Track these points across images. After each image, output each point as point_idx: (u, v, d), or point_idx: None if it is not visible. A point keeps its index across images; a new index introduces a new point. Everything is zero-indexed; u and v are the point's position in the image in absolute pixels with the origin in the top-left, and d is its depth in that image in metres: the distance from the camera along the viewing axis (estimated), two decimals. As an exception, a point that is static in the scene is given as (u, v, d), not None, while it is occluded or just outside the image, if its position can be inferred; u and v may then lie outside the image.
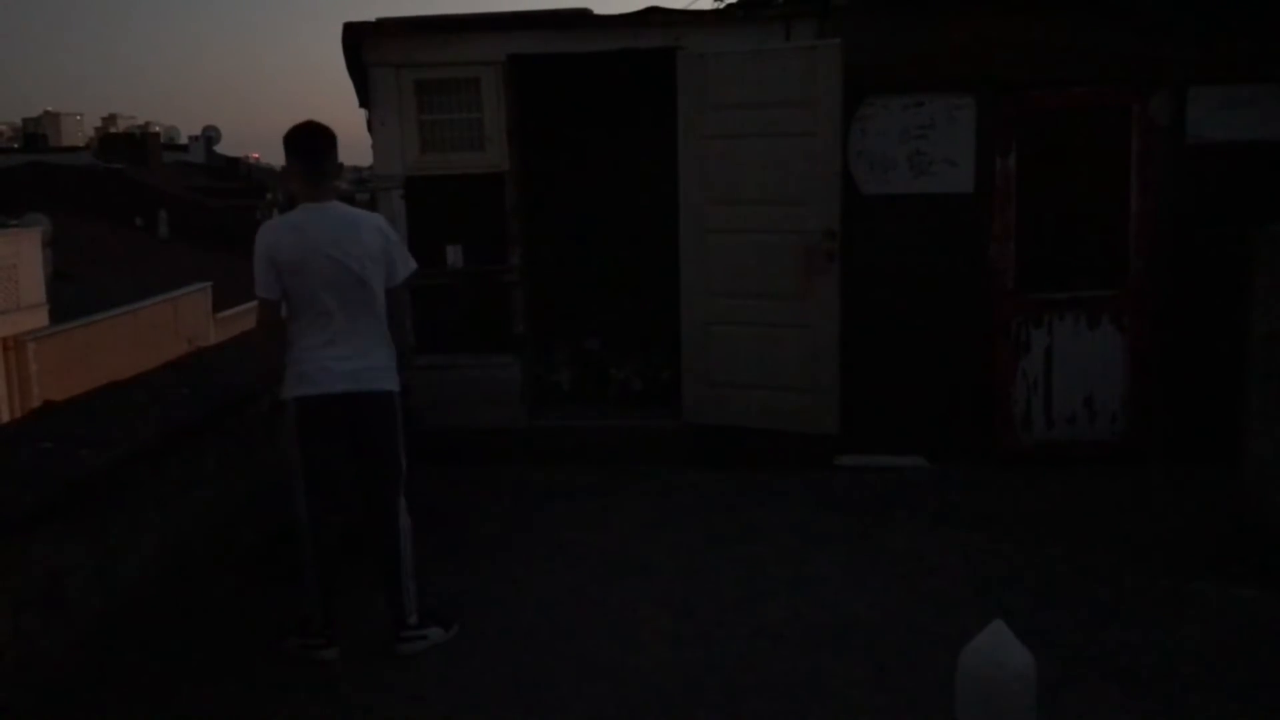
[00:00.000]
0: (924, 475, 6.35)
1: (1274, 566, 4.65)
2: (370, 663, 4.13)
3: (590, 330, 7.79)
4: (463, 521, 5.69)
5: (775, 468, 6.38)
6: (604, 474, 6.42)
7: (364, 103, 6.83)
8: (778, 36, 6.33)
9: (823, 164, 6.13)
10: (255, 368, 5.66)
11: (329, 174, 4.13)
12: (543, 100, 7.30)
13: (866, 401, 6.34)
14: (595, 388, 7.44)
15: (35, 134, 65.43)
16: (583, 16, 6.56)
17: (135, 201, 31.36)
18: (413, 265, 4.25)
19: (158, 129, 56.61)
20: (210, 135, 45.19)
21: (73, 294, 19.83)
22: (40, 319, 18.20)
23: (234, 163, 46.21)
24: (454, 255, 6.75)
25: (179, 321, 21.53)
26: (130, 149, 38.24)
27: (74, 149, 51.43)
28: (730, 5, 6.71)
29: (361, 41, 6.59)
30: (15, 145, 54.97)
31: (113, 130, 77.19)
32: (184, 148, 46.65)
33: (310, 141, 4.10)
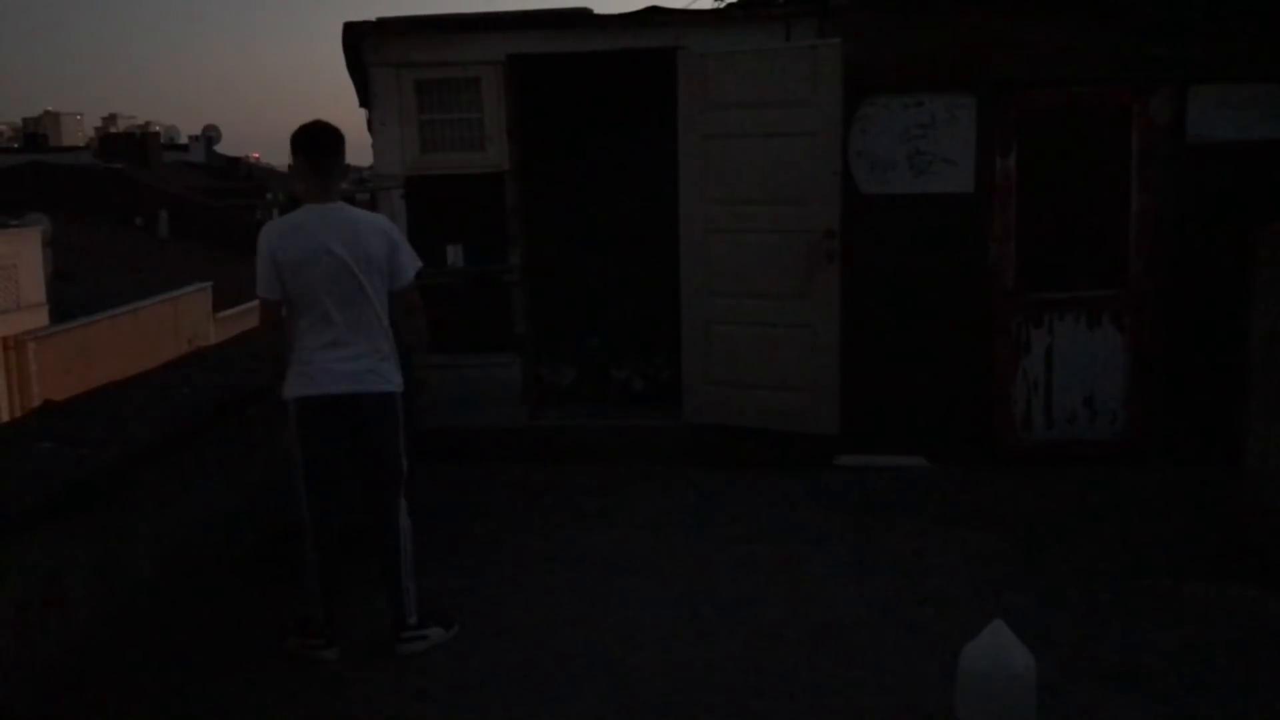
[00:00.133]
0: (924, 475, 6.35)
1: (1274, 566, 4.65)
2: (371, 663, 4.13)
3: (591, 330, 7.79)
4: (463, 521, 5.69)
5: (775, 467, 6.38)
6: (604, 473, 6.42)
7: (364, 103, 6.83)
8: (778, 36, 6.33)
9: (823, 163, 6.13)
10: (255, 367, 5.67)
11: (334, 174, 4.12)
12: (543, 100, 7.30)
13: (867, 401, 6.34)
14: (596, 387, 7.45)
15: (35, 134, 65.44)
16: (583, 16, 6.56)
17: (135, 201, 31.35)
18: (419, 263, 4.24)
19: (158, 129, 56.60)
20: (210, 135, 45.18)
21: (73, 294, 19.83)
22: (40, 319, 18.20)
23: (234, 162, 46.21)
24: (454, 255, 6.75)
25: (179, 321, 21.53)
26: (130, 149, 38.22)
27: (74, 149, 51.44)
28: (730, 5, 6.71)
29: (362, 41, 6.59)
30: (15, 145, 54.96)
31: (113, 130, 77.19)
32: (184, 147, 46.64)
33: (316, 141, 4.09)
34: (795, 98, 6.12)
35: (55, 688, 3.64)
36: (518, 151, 6.73)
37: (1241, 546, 4.91)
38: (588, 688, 3.92)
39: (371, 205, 7.01)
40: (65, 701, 3.65)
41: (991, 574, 4.88)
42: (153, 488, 4.33)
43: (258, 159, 55.41)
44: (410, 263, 4.18)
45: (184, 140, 49.05)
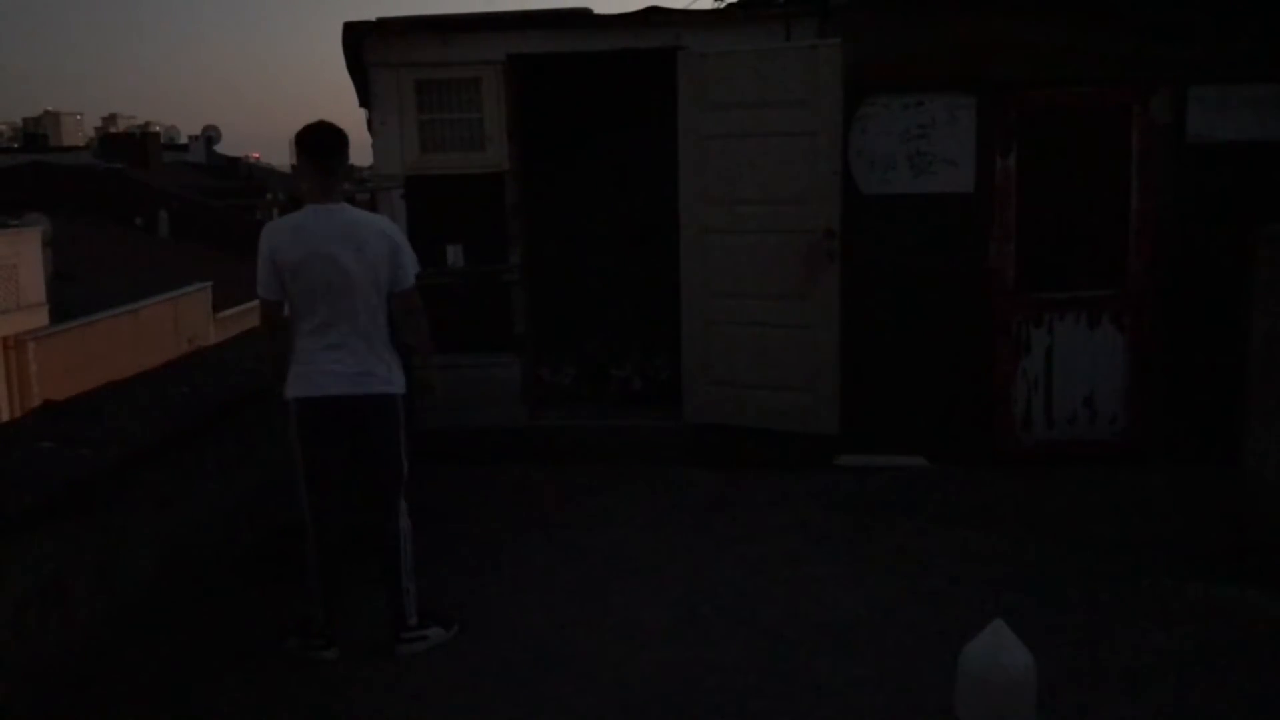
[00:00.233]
0: (924, 475, 6.35)
1: (1274, 567, 4.65)
2: (371, 663, 4.13)
3: (590, 330, 7.79)
4: (463, 521, 5.69)
5: (775, 467, 6.38)
6: (604, 473, 6.41)
7: (364, 103, 6.83)
8: (778, 36, 6.33)
9: (823, 164, 6.13)
10: (255, 367, 5.67)
11: (337, 175, 4.11)
12: (543, 100, 7.30)
13: (867, 401, 6.34)
14: (595, 387, 7.45)
15: (35, 134, 65.50)
16: (583, 16, 6.56)
17: (135, 201, 31.36)
18: (418, 268, 4.21)
19: (158, 129, 56.62)
20: (210, 135, 45.20)
21: (73, 294, 19.82)
22: (40, 319, 18.20)
23: (234, 162, 46.22)
24: (454, 255, 6.75)
25: (179, 321, 21.53)
26: (130, 149, 38.23)
27: (74, 149, 51.43)
28: (730, 5, 6.71)
29: (362, 41, 6.59)
30: (15, 145, 54.98)
31: (113, 130, 77.17)
32: (184, 147, 46.66)
33: (320, 141, 4.08)
34: (795, 98, 6.12)
35: (55, 687, 3.64)
36: (518, 151, 6.73)
37: (1242, 547, 4.91)
38: (588, 688, 3.92)
39: (371, 205, 7.01)
40: (65, 701, 3.65)
41: (991, 574, 4.88)
42: (153, 488, 4.33)
43: (257, 159, 55.41)
44: (411, 266, 4.15)
45: (184, 140, 49.07)
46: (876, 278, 6.35)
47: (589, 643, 4.27)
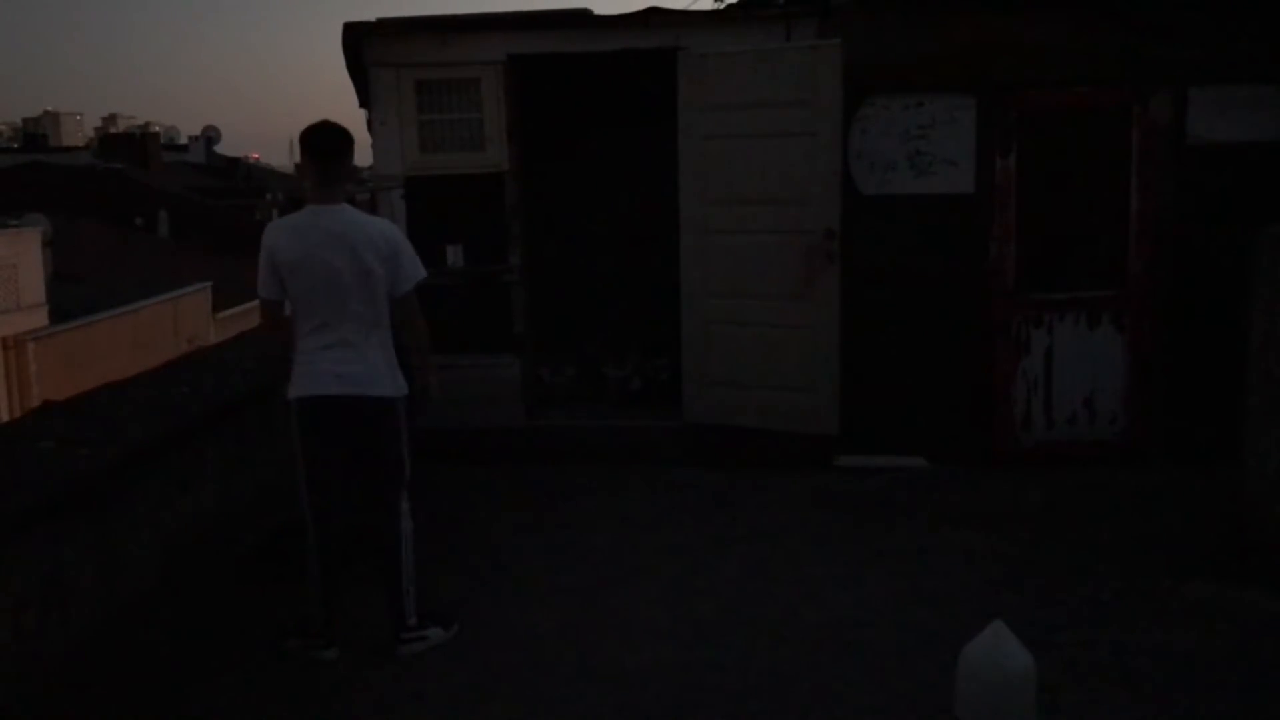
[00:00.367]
0: (924, 475, 6.35)
1: (1274, 567, 4.65)
2: (371, 663, 4.13)
3: (590, 330, 7.79)
4: (462, 521, 5.69)
5: (775, 468, 6.38)
6: (604, 474, 6.42)
7: (364, 103, 6.83)
8: (778, 36, 6.33)
9: (823, 164, 6.13)
10: (254, 368, 5.67)
11: (339, 176, 4.08)
12: (543, 100, 7.30)
13: (866, 402, 6.34)
14: (594, 387, 7.45)
15: (35, 134, 65.50)
16: (583, 17, 6.56)
17: (135, 202, 31.39)
18: (421, 274, 4.14)
19: (158, 129, 56.66)
20: (210, 135, 45.24)
21: (72, 294, 19.83)
22: (40, 319, 18.21)
23: (234, 163, 46.25)
24: (454, 255, 6.75)
25: (179, 322, 21.54)
26: (130, 149, 38.27)
27: (74, 149, 51.45)
28: (730, 5, 6.71)
29: (361, 41, 6.59)
30: (15, 145, 55.00)
31: (113, 130, 77.22)
32: (184, 148, 46.70)
33: (322, 141, 4.06)
34: (795, 98, 6.12)
35: (55, 687, 3.64)
36: (517, 152, 6.73)
37: (1242, 547, 4.91)
38: (587, 688, 3.92)
39: (371, 205, 7.01)
40: (65, 701, 3.65)
41: (991, 574, 4.88)
42: (152, 488, 4.34)
43: (257, 159, 55.45)
44: (412, 271, 4.09)
45: (184, 140, 49.12)
46: (876, 278, 6.35)
47: (588, 642, 4.28)
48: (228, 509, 4.95)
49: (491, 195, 6.67)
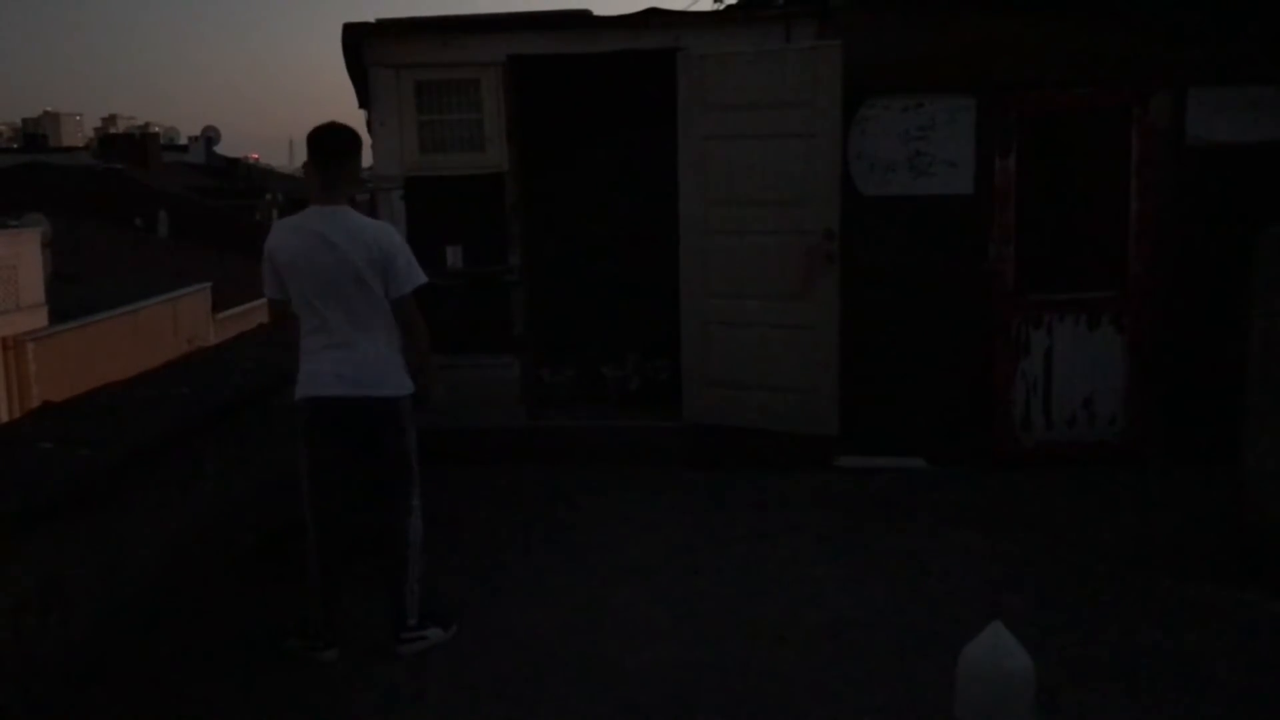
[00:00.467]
0: (923, 476, 6.35)
1: (1274, 568, 4.65)
2: (370, 663, 4.13)
3: (590, 331, 7.79)
4: (462, 522, 5.69)
5: (775, 469, 6.38)
6: (604, 474, 6.42)
7: (364, 103, 6.83)
8: (778, 37, 6.33)
9: (823, 165, 6.13)
10: (254, 368, 5.67)
11: (340, 177, 4.08)
12: (543, 101, 7.30)
13: (866, 403, 6.34)
14: (594, 388, 7.45)
15: (35, 134, 65.47)
16: (583, 17, 6.56)
17: (135, 202, 31.36)
18: (419, 279, 4.11)
19: (157, 129, 56.72)
20: (210, 136, 45.20)
21: (72, 294, 19.82)
22: (39, 319, 18.20)
23: (233, 163, 46.20)
24: (453, 256, 6.75)
25: (178, 322, 21.53)
26: (130, 149, 38.23)
27: (74, 149, 51.44)
28: (730, 6, 6.72)
29: (361, 42, 6.59)
30: (15, 145, 54.99)
31: (112, 131, 77.24)
32: (183, 148, 46.68)
33: (324, 142, 4.07)
34: (795, 99, 6.12)
35: (54, 688, 3.64)
36: (517, 152, 6.73)
37: (1241, 548, 4.91)
38: (587, 688, 3.92)
39: (371, 206, 7.01)
40: (64, 702, 3.65)
41: (991, 575, 4.88)
42: (152, 488, 4.33)
43: (257, 159, 55.43)
44: (410, 275, 4.07)
45: (183, 141, 49.13)
46: (876, 279, 6.35)
47: (588, 643, 4.28)
48: (227, 509, 4.95)
49: (491, 196, 6.67)
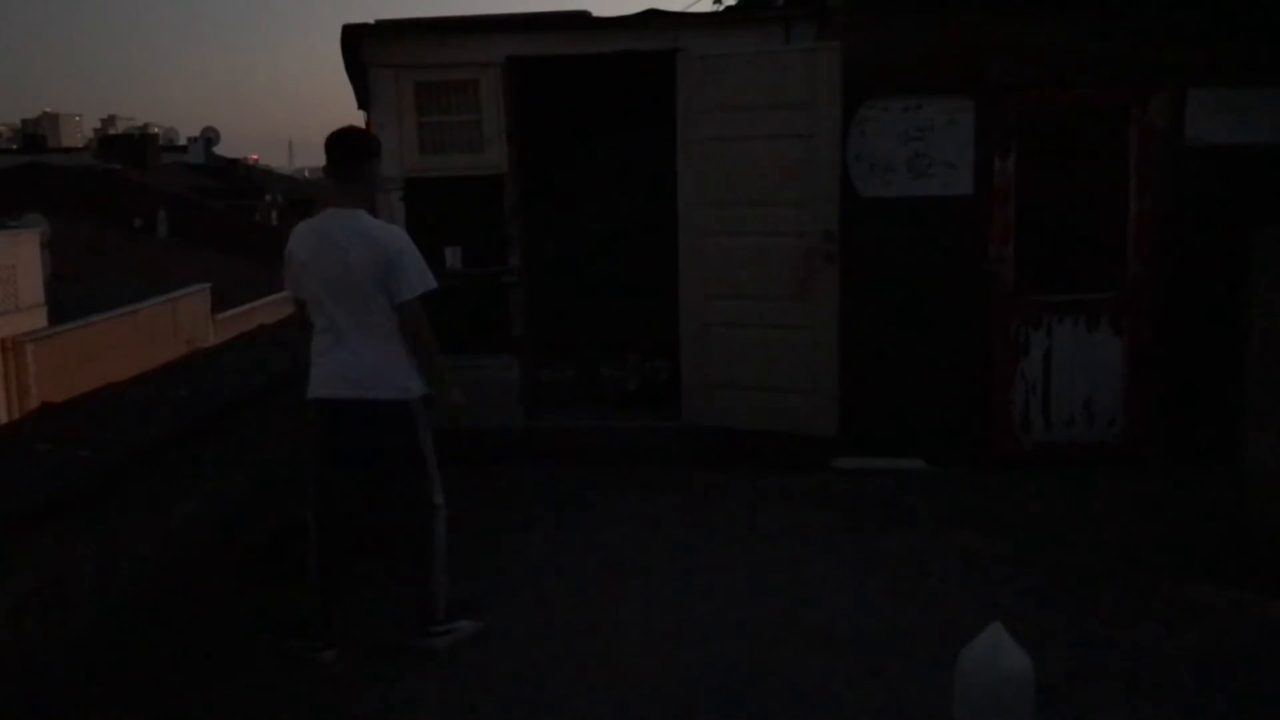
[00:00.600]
0: (923, 477, 6.35)
1: (1273, 567, 4.65)
2: (370, 664, 4.13)
3: (589, 332, 7.79)
4: (461, 523, 5.66)
5: (774, 469, 6.38)
6: (603, 475, 6.42)
7: (363, 104, 6.82)
8: (777, 39, 6.33)
9: (822, 166, 6.13)
10: (253, 368, 5.67)
11: (354, 180, 4.11)
12: (542, 102, 7.30)
13: (865, 403, 6.35)
14: (594, 389, 7.45)
15: (34, 135, 65.42)
16: (582, 19, 6.57)
17: (134, 203, 31.35)
18: (427, 285, 4.09)
19: (156, 130, 56.68)
20: (209, 137, 45.22)
21: (71, 295, 19.82)
22: (39, 320, 18.20)
23: (232, 164, 46.23)
24: (453, 257, 6.75)
25: (178, 323, 21.52)
26: (129, 150, 38.23)
27: (73, 150, 51.45)
28: (729, 8, 6.72)
29: (361, 43, 6.59)
30: (14, 146, 54.97)
31: (112, 131, 77.17)
32: (183, 149, 46.67)
33: (337, 146, 4.12)
34: (794, 100, 6.12)
35: (54, 688, 3.64)
36: (516, 153, 6.73)
37: (1241, 548, 4.92)
38: (585, 689, 3.92)
39: (370, 207, 7.00)
40: (64, 702, 3.65)
41: (989, 576, 4.88)
42: (151, 489, 4.33)
43: (256, 160, 55.47)
44: (414, 280, 4.05)
45: (183, 142, 49.10)
46: (875, 280, 6.35)
47: (586, 644, 4.28)
48: (227, 510, 4.95)
49: (490, 197, 6.67)
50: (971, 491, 6.08)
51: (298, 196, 44.19)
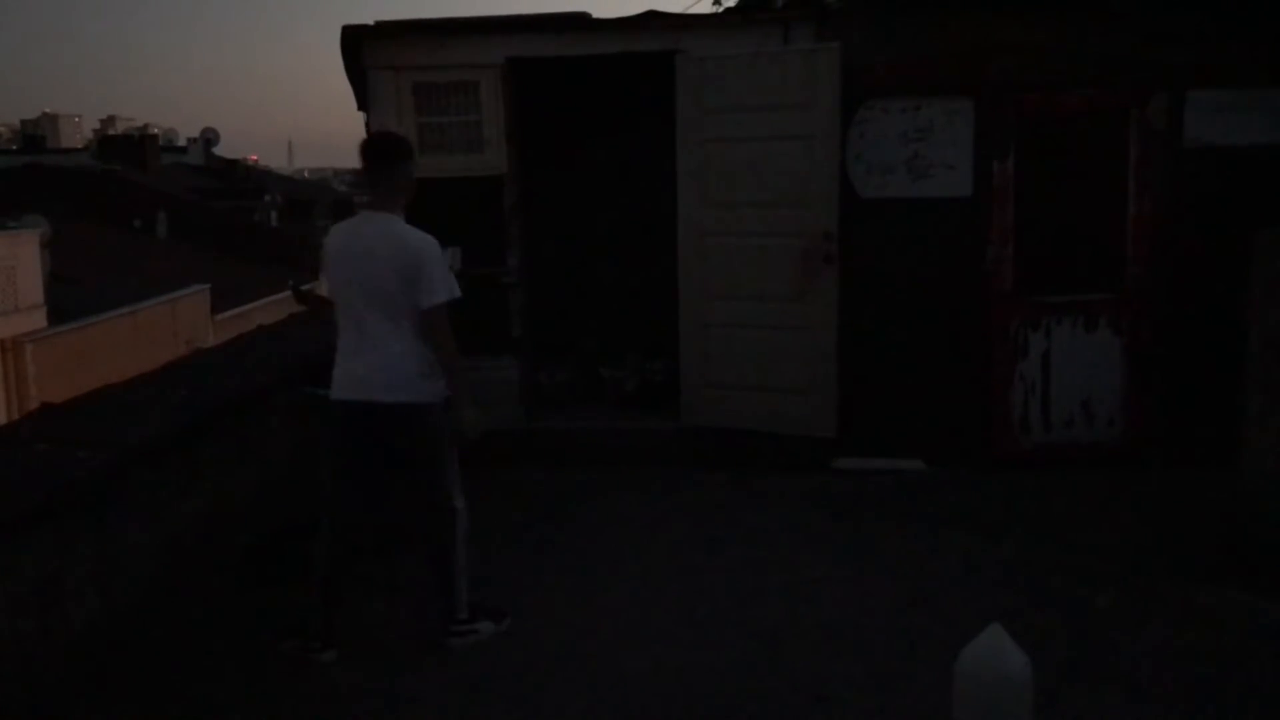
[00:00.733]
0: (922, 478, 6.35)
1: (1272, 568, 4.65)
2: (369, 665, 4.13)
3: (589, 332, 7.80)
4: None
5: (773, 470, 6.38)
6: (602, 476, 6.42)
7: (362, 105, 6.82)
8: (776, 40, 6.34)
9: (821, 167, 6.14)
10: (252, 369, 5.67)
11: (384, 184, 4.15)
12: (541, 103, 7.30)
13: (864, 404, 6.35)
14: (593, 389, 7.45)
15: (34, 135, 65.32)
16: (582, 20, 6.57)
17: (134, 203, 31.33)
18: (451, 294, 4.14)
19: (156, 131, 56.67)
20: (209, 137, 45.20)
21: (71, 296, 19.81)
22: (38, 321, 18.19)
23: (232, 164, 46.21)
24: (452, 257, 6.73)
25: (177, 323, 21.52)
26: (129, 151, 38.19)
27: (73, 151, 51.42)
28: (729, 9, 6.72)
29: (360, 44, 6.59)
30: (14, 147, 54.94)
31: (111, 132, 77.10)
32: (182, 149, 46.66)
33: (368, 150, 4.19)
34: (793, 101, 6.13)
35: (53, 689, 3.64)
36: (516, 154, 6.73)
37: (1240, 550, 4.92)
38: (584, 690, 3.92)
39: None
40: (63, 703, 3.65)
41: (989, 576, 4.88)
42: (150, 490, 4.33)
43: (256, 161, 55.46)
44: (437, 288, 4.09)
45: (182, 142, 49.08)
46: (874, 281, 6.35)
47: (586, 645, 4.28)
48: (226, 510, 4.95)
49: (490, 198, 6.67)
50: (971, 492, 6.08)
51: (297, 197, 44.20)
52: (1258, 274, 4.88)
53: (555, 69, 6.89)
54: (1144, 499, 5.93)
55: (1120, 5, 6.22)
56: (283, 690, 3.94)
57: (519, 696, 3.90)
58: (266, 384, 5.43)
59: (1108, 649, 4.16)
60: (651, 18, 6.45)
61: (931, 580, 4.87)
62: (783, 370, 6.35)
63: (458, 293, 4.17)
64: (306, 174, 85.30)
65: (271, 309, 19.82)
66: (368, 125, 6.76)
